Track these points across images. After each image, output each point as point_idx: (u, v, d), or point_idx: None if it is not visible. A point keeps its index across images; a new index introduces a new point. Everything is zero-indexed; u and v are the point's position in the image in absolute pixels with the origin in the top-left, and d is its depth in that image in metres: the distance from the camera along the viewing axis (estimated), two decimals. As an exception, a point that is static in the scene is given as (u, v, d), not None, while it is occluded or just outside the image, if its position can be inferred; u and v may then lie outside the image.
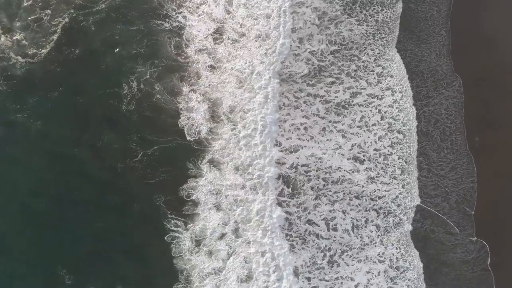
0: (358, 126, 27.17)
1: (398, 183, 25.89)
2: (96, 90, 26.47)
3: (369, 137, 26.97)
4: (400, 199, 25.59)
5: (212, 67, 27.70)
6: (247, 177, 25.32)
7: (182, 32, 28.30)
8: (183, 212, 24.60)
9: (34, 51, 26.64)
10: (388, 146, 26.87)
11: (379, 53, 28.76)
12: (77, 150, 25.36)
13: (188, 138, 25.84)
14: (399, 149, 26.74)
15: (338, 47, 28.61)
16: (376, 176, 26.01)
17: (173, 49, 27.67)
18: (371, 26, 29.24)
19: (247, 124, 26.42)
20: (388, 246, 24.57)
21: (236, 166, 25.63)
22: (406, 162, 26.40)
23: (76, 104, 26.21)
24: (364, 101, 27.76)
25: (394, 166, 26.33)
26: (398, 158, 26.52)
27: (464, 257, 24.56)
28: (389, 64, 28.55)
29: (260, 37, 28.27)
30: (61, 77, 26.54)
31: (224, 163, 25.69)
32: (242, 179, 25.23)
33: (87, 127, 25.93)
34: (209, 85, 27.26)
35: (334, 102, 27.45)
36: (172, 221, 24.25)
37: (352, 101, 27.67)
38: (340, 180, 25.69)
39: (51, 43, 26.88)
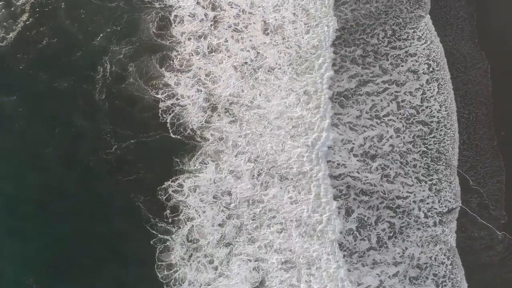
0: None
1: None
2: (69, 74, 23.81)
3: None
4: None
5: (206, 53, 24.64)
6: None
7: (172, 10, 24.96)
8: (168, 216, 22.34)
9: (2, 34, 23.72)
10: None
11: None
12: (48, 143, 22.94)
13: (171, 132, 23.08)
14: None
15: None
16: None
17: (155, 29, 24.36)
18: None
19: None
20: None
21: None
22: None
23: (48, 89, 23.61)
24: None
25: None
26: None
27: (498, 256, 23.43)
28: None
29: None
30: (31, 61, 23.98)
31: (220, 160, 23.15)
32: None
33: (58, 115, 23.41)
34: (199, 69, 24.19)
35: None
36: (159, 224, 22.12)
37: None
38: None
39: (20, 24, 23.89)
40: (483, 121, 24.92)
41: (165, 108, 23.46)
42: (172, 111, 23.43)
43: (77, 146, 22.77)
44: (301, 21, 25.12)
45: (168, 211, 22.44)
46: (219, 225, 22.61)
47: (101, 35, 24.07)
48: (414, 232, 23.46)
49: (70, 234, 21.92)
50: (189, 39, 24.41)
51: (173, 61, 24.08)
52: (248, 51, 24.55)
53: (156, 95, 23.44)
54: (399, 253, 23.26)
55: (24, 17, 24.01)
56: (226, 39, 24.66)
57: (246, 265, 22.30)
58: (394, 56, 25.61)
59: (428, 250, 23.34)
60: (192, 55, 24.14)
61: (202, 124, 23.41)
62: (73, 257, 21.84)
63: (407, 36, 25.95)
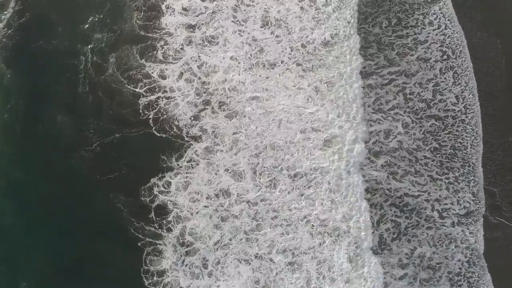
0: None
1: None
2: (52, 64, 22.66)
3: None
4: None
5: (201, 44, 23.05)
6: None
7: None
8: (154, 220, 20.98)
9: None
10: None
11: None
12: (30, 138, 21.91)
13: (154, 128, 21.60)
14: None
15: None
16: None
17: (139, 19, 22.76)
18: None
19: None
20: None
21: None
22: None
23: (29, 81, 22.52)
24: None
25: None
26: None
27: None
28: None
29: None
30: (14, 50, 22.93)
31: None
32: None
33: (42, 107, 22.29)
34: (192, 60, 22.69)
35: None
36: (146, 227, 20.82)
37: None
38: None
39: (6, 15, 22.97)
40: (494, 116, 22.54)
41: (147, 102, 22.02)
42: (160, 105, 22.01)
43: (57, 142, 21.72)
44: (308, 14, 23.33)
45: (152, 214, 21.02)
46: (215, 226, 21.10)
47: (85, 22, 22.80)
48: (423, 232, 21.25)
49: (49, 236, 20.85)
50: (181, 29, 22.87)
51: (157, 51, 22.50)
52: (249, 44, 22.89)
53: (135, 89, 21.96)
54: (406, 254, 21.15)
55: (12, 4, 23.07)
56: (224, 30, 23.05)
57: (246, 267, 20.79)
58: (401, 45, 23.31)
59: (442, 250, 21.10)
60: (183, 46, 22.62)
61: (193, 119, 21.87)
62: (51, 261, 20.70)
63: (416, 23, 23.54)
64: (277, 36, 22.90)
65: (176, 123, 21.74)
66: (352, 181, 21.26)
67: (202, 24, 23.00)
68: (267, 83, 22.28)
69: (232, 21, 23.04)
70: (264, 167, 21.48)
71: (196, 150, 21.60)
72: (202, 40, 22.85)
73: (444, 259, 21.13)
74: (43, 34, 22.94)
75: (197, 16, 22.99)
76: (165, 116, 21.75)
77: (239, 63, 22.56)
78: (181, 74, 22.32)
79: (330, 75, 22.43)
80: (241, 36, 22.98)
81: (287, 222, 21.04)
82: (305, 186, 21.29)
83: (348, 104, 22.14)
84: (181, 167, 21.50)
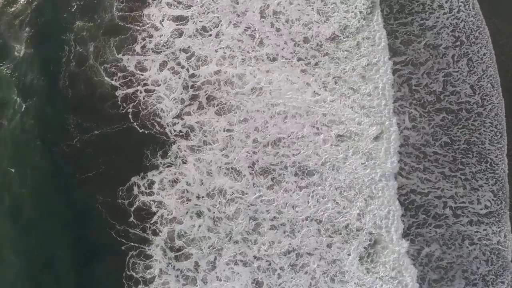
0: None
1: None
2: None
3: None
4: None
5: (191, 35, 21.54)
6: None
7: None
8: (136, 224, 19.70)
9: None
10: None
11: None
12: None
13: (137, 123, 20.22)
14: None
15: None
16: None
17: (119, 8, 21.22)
18: None
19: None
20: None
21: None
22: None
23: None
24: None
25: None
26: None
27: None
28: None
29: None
30: None
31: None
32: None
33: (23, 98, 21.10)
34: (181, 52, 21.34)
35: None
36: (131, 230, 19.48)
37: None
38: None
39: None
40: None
41: (124, 96, 20.61)
42: (143, 99, 20.64)
43: (36, 136, 20.52)
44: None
45: (132, 218, 19.64)
46: (209, 229, 19.61)
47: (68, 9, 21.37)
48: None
49: (20, 237, 19.59)
50: (168, 21, 21.40)
51: (137, 44, 21.00)
52: (249, 36, 21.30)
53: (115, 82, 20.57)
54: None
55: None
56: (220, 21, 21.52)
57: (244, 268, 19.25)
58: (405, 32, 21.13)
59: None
60: (171, 38, 21.20)
61: (179, 113, 20.43)
62: (21, 264, 19.43)
63: (423, 8, 21.26)
64: (277, 30, 21.26)
65: (158, 119, 20.34)
66: (373, 179, 19.26)
67: (195, 15, 21.55)
68: (269, 76, 20.65)
69: (230, 12, 21.55)
70: (265, 164, 19.80)
71: (179, 147, 20.25)
72: (194, 32, 21.40)
73: (457, 258, 19.04)
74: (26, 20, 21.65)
75: (188, 8, 21.68)
76: (146, 110, 20.37)
77: (234, 55, 20.98)
78: (165, 65, 20.87)
79: (340, 70, 20.59)
80: (238, 27, 21.39)
81: (290, 222, 19.34)
82: (313, 184, 19.53)
83: (368, 98, 20.06)
84: (170, 165, 20.17)
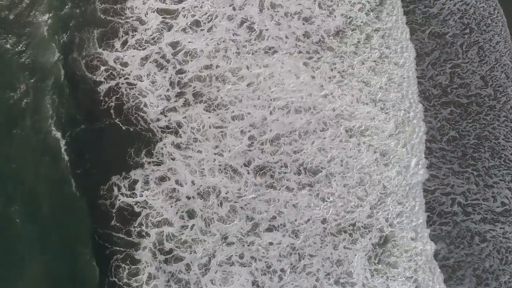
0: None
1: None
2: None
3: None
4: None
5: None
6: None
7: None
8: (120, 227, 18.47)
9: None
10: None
11: None
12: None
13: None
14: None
15: None
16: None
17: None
18: None
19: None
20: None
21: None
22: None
23: None
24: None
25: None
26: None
27: None
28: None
29: None
30: None
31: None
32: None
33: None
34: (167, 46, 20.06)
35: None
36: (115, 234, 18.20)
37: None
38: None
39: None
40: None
41: (107, 91, 19.36)
42: (125, 93, 19.46)
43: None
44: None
45: (114, 221, 18.33)
46: (202, 232, 18.24)
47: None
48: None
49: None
50: (155, 14, 20.18)
51: (120, 38, 19.82)
52: (245, 29, 20.05)
53: (97, 78, 19.27)
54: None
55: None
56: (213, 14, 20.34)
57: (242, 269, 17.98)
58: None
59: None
60: (158, 32, 20.04)
61: (165, 109, 19.22)
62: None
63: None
64: (278, 23, 20.08)
65: (143, 114, 19.12)
66: (388, 176, 17.93)
67: (186, 8, 20.32)
68: (269, 70, 19.41)
69: (227, 4, 20.33)
70: (262, 162, 18.51)
71: (166, 144, 19.11)
72: (185, 25, 20.15)
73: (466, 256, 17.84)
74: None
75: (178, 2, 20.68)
76: (129, 103, 19.18)
77: (229, 48, 19.76)
78: (148, 59, 19.68)
79: (349, 63, 19.30)
80: (234, 20, 20.12)
81: (290, 222, 18.13)
82: (317, 182, 18.22)
83: (382, 92, 18.75)
84: (158, 163, 18.95)
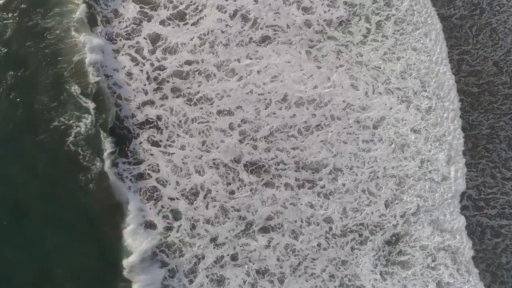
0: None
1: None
2: None
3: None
4: None
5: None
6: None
7: None
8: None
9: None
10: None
11: None
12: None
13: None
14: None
15: None
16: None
17: None
18: None
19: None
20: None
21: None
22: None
23: None
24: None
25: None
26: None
27: None
28: None
29: None
30: None
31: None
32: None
33: None
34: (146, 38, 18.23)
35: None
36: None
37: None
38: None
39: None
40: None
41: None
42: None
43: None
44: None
45: None
46: (195, 235, 16.60)
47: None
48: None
49: None
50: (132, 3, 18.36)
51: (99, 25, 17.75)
52: (238, 19, 18.35)
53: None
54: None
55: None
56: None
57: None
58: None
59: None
60: (135, 23, 18.25)
61: (140, 106, 17.57)
62: None
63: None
64: (276, 12, 18.43)
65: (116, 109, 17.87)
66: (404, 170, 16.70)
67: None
68: (264, 61, 17.81)
69: None
70: (256, 159, 16.96)
71: (142, 141, 17.54)
72: (167, 17, 18.50)
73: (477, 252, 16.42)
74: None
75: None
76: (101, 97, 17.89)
77: (218, 41, 18.09)
78: (120, 52, 17.95)
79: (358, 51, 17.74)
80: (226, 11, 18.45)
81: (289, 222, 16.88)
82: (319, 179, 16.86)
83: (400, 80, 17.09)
84: (137, 162, 17.37)
